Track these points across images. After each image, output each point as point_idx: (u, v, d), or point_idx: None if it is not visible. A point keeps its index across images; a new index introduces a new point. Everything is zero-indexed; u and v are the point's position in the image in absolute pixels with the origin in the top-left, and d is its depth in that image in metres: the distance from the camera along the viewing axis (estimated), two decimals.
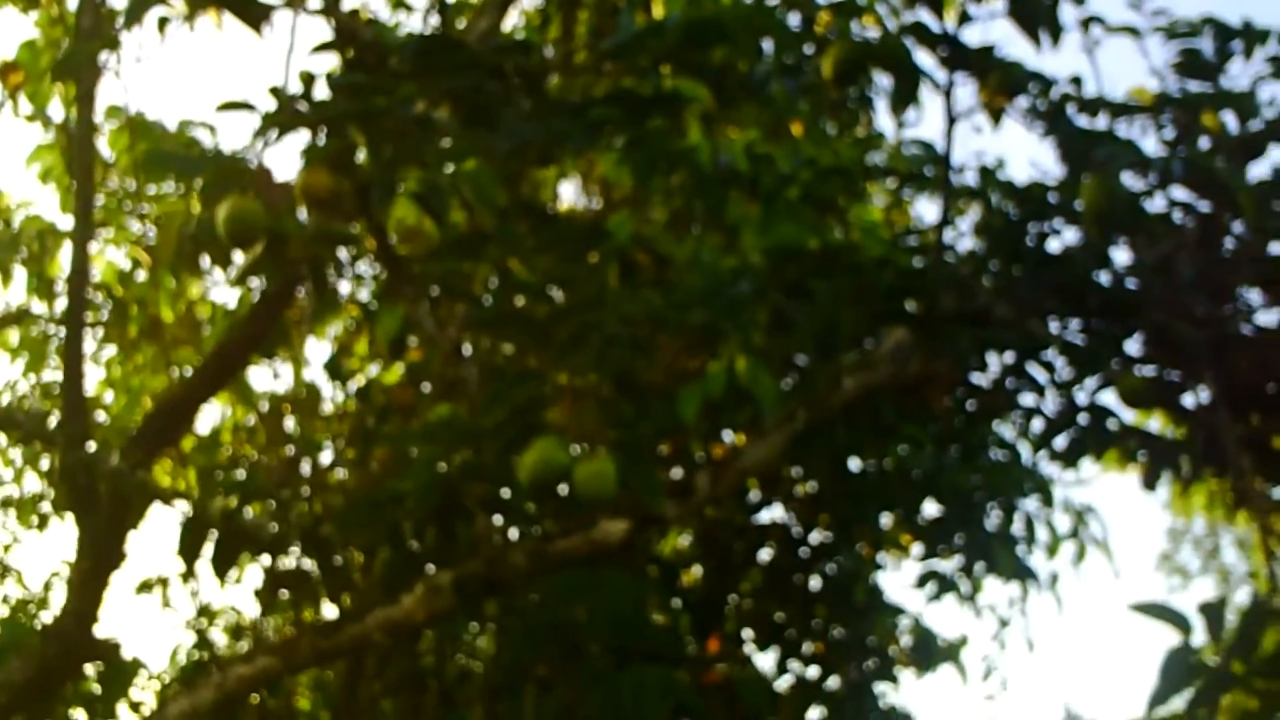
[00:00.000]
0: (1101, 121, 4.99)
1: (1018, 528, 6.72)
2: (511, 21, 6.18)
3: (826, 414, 4.84)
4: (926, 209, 7.61)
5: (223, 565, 5.13)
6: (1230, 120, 5.07)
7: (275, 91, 4.36)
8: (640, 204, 6.21)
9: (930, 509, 6.57)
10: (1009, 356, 5.25)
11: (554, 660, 4.38)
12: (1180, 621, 3.85)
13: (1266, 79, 5.11)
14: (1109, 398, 5.16)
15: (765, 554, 6.33)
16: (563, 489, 3.99)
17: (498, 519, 4.64)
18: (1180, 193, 4.96)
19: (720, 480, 4.58)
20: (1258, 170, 5.09)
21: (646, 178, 4.42)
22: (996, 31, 6.97)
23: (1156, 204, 5.03)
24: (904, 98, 4.80)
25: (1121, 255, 5.07)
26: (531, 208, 4.37)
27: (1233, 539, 23.57)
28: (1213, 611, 3.86)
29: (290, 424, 7.27)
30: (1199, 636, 3.84)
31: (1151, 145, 5.00)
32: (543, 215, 4.32)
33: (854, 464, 6.18)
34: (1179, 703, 3.81)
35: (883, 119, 8.31)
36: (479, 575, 4.31)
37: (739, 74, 4.84)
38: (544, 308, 4.28)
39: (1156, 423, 5.48)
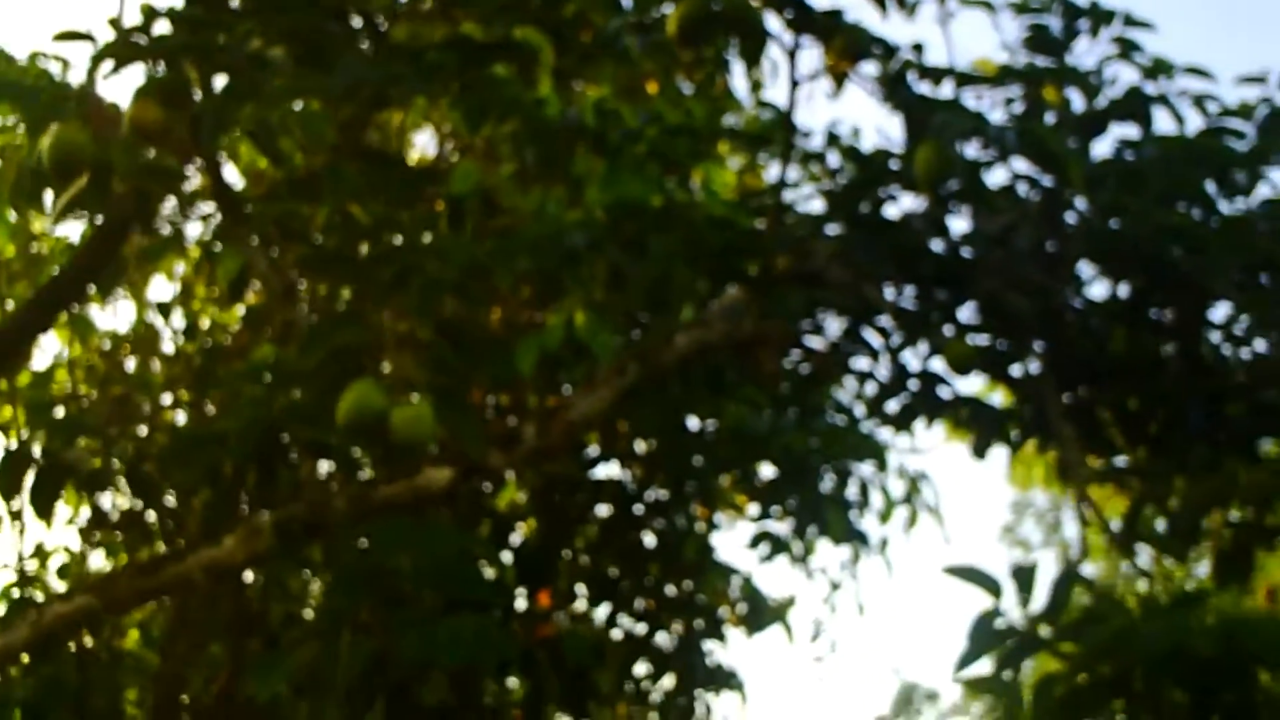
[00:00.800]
0: (946, 90, 5.03)
1: (852, 492, 6.79)
2: None
3: (659, 370, 4.84)
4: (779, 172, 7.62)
5: (43, 501, 5.04)
6: (1076, 98, 5.14)
7: (114, 23, 4.29)
8: (490, 155, 6.17)
9: (766, 470, 6.61)
10: (845, 320, 5.28)
11: (375, 607, 4.35)
12: (991, 585, 3.91)
13: (1112, 59, 5.18)
14: (941, 365, 5.22)
15: (602, 510, 6.34)
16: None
17: (323, 463, 4.60)
18: (1023, 165, 5.02)
19: (548, 431, 4.56)
20: (1101, 148, 5.17)
21: (476, 124, 4.40)
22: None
23: (1001, 176, 5.09)
24: (750, 59, 4.80)
25: (960, 224, 5.13)
26: (364, 150, 4.34)
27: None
28: (1023, 576, 3.92)
29: (130, 363, 7.17)
30: (1010, 601, 3.91)
31: (999, 118, 5.05)
32: (374, 157, 4.29)
33: (691, 423, 6.19)
34: (987, 665, 3.87)
35: (738, 81, 8.32)
36: (299, 518, 4.27)
37: (591, 28, 4.82)
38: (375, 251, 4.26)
39: (1000, 394, 5.54)
